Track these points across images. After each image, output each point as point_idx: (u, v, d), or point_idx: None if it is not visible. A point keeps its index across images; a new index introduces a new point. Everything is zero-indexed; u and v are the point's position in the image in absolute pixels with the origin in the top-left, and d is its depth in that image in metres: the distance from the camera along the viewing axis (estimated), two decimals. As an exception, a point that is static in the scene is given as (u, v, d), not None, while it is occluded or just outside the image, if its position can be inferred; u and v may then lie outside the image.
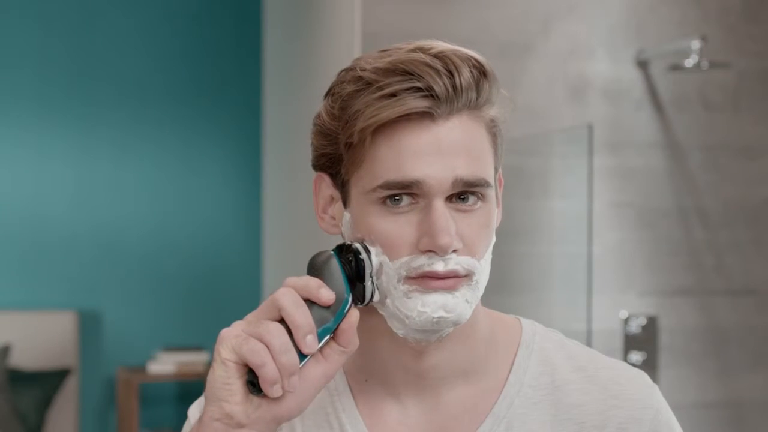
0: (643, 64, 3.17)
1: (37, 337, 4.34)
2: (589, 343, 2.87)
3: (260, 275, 4.66)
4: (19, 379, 4.19)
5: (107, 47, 4.55)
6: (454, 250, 0.96)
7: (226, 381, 0.93)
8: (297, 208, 3.90)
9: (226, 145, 4.69)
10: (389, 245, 0.97)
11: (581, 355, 1.08)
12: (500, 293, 2.99)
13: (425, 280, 0.96)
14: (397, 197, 0.97)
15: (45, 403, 4.21)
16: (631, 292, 3.16)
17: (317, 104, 1.05)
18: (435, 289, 0.96)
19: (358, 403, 1.06)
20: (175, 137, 4.63)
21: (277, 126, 4.35)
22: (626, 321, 3.13)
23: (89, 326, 4.52)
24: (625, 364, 1.08)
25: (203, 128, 4.67)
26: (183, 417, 1.15)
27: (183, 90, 4.64)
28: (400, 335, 1.00)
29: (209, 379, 0.94)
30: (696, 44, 3.00)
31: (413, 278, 0.97)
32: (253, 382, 0.93)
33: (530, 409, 1.04)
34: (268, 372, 0.91)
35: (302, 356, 0.93)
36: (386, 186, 0.96)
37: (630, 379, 1.06)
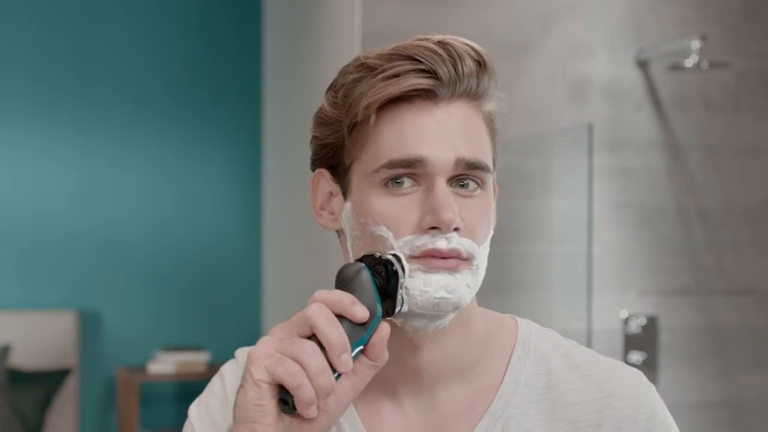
0: (643, 64, 3.17)
1: (37, 337, 4.34)
2: (589, 343, 2.87)
3: (260, 275, 4.66)
4: (19, 379, 4.19)
5: (107, 47, 4.55)
6: (456, 229, 0.97)
7: (258, 402, 0.90)
8: (297, 208, 3.90)
9: (226, 145, 4.69)
10: (393, 226, 0.97)
11: (577, 354, 1.07)
12: (500, 293, 2.99)
13: (428, 259, 0.96)
14: (399, 180, 0.97)
15: (45, 403, 4.20)
16: (631, 292, 3.16)
17: (317, 104, 1.05)
18: (437, 269, 0.96)
19: (356, 402, 1.06)
20: (175, 137, 4.63)
21: (277, 126, 4.34)
22: (626, 321, 3.13)
23: (89, 326, 4.52)
24: (622, 363, 1.08)
25: (203, 128, 4.67)
26: (183, 417, 1.15)
27: (183, 90, 4.64)
28: (398, 324, 0.99)
29: (239, 399, 0.91)
30: (696, 44, 3.00)
31: (416, 257, 0.97)
32: (285, 401, 0.90)
33: (526, 408, 1.04)
34: (305, 393, 0.88)
35: (334, 373, 0.91)
36: (390, 165, 0.97)
37: (626, 378, 1.06)
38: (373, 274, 0.95)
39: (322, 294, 0.93)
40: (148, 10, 4.61)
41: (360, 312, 0.92)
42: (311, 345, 0.89)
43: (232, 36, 4.69)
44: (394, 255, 0.96)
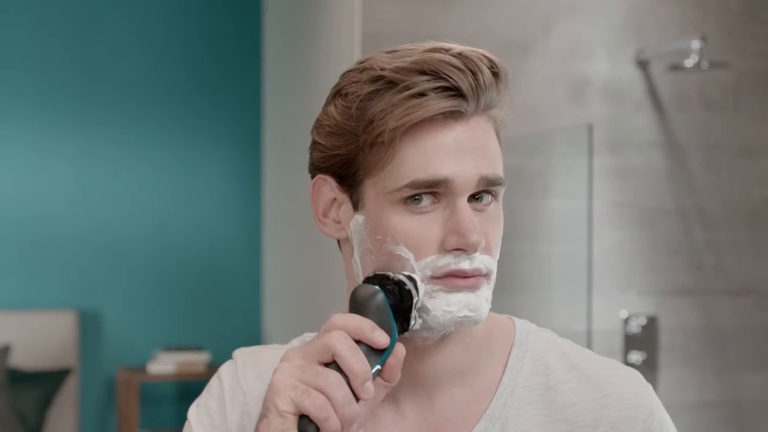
0: (643, 64, 3.17)
1: (37, 337, 4.34)
2: (589, 343, 2.87)
3: (260, 275, 4.65)
4: (19, 379, 4.19)
5: (107, 47, 4.55)
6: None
7: None
8: (297, 208, 3.90)
9: (226, 145, 4.69)
10: (414, 246, 0.96)
11: (574, 354, 1.07)
12: (500, 293, 2.98)
13: (451, 279, 0.96)
14: (417, 197, 0.96)
15: (45, 403, 4.21)
16: (631, 292, 3.16)
17: (317, 104, 1.04)
18: (460, 289, 0.96)
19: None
20: (175, 137, 4.63)
21: (277, 126, 4.34)
22: (626, 321, 3.13)
23: (89, 326, 4.52)
24: (619, 363, 1.08)
25: (203, 128, 4.67)
26: (183, 417, 1.15)
27: (183, 90, 4.64)
28: (405, 335, 0.99)
29: (262, 429, 0.90)
30: (696, 44, 3.00)
31: (438, 278, 0.96)
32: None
33: (524, 409, 1.04)
34: (332, 426, 0.88)
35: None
36: (413, 185, 0.95)
37: (623, 378, 1.05)
38: (386, 294, 0.95)
39: (340, 319, 0.92)
40: (148, 10, 4.61)
41: (381, 339, 0.92)
42: (336, 376, 0.89)
43: (232, 36, 4.69)
44: (407, 276, 0.96)
